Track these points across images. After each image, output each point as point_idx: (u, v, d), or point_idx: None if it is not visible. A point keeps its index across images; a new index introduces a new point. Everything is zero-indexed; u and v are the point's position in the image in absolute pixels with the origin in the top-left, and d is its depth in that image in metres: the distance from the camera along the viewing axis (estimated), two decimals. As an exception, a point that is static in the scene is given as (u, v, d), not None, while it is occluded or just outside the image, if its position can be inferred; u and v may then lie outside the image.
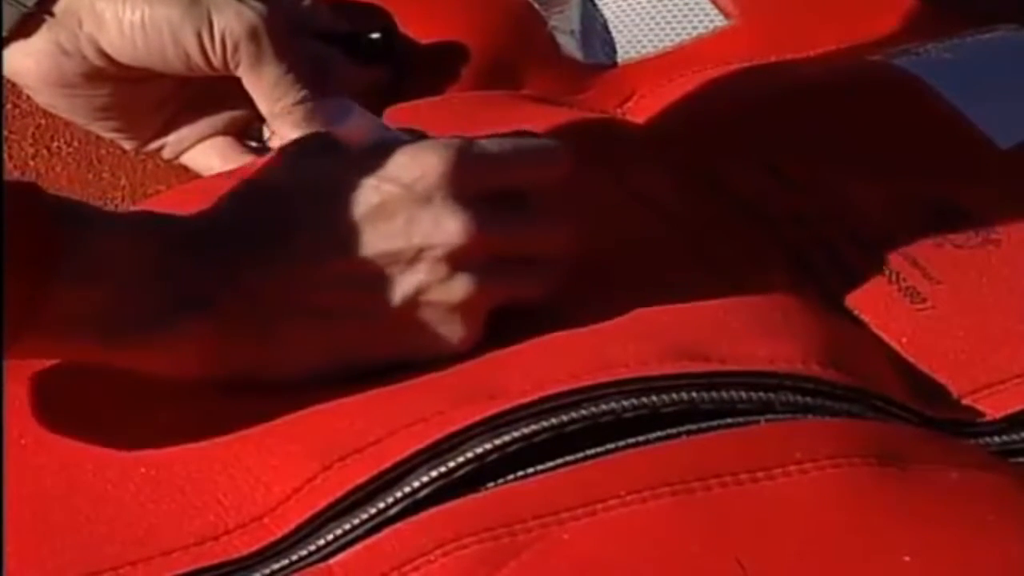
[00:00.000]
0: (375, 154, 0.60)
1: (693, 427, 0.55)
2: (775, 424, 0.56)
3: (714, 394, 0.57)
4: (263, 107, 0.75)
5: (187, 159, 0.81)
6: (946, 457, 0.56)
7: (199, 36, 0.72)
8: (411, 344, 0.59)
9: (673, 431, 0.55)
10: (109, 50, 0.73)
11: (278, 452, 0.58)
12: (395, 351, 0.59)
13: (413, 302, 0.58)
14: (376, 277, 0.58)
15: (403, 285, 0.58)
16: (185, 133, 0.80)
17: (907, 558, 0.50)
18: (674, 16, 0.87)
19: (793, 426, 0.56)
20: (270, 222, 0.59)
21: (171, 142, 0.80)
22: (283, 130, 0.75)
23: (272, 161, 0.62)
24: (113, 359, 0.58)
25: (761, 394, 0.57)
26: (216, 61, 0.73)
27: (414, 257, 0.58)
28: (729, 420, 0.56)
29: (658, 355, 0.59)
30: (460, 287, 0.59)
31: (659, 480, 0.52)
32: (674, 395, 0.56)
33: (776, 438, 0.55)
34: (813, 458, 0.53)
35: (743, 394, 0.57)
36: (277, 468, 0.58)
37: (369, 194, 0.58)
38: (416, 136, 0.64)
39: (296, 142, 0.63)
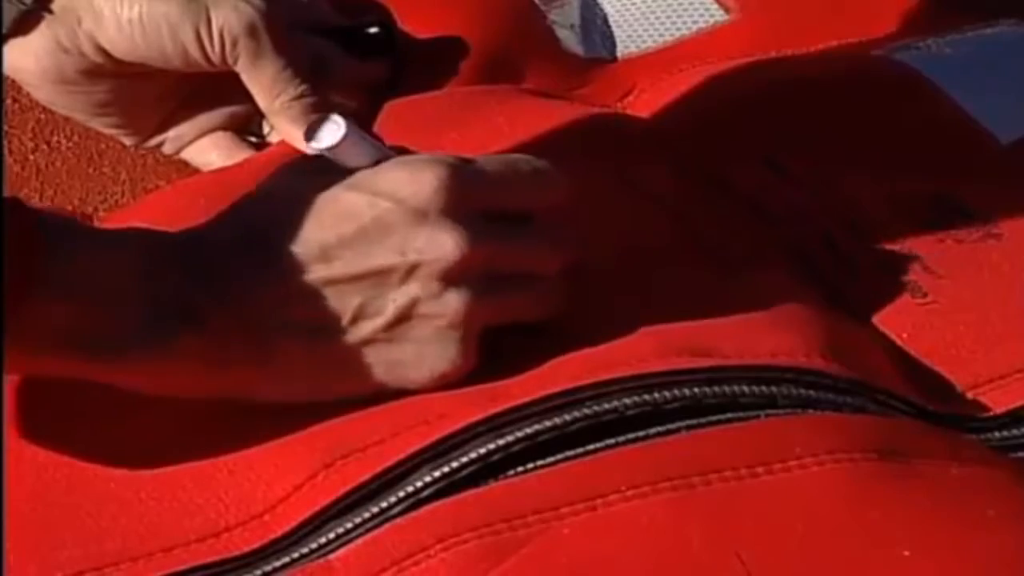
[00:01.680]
0: (371, 171, 0.60)
1: (693, 422, 0.55)
2: (776, 419, 0.56)
3: (716, 389, 0.57)
4: (262, 102, 0.75)
5: (187, 154, 0.81)
6: (947, 452, 0.56)
7: (197, 32, 0.72)
8: (406, 362, 0.59)
9: (673, 426, 0.55)
10: (108, 47, 0.73)
11: (280, 450, 0.58)
12: (389, 369, 0.59)
13: (407, 317, 0.58)
14: (369, 292, 0.58)
15: (397, 301, 0.58)
16: (185, 129, 0.80)
17: (907, 552, 0.50)
18: (674, 11, 0.87)
19: (794, 421, 0.56)
20: (261, 237, 0.59)
21: (171, 137, 0.80)
22: (282, 125, 0.75)
23: (267, 178, 0.62)
24: (98, 375, 0.57)
25: (763, 388, 0.57)
26: (215, 57, 0.73)
27: (408, 273, 0.58)
28: (730, 415, 0.56)
29: (660, 351, 0.59)
30: (454, 303, 0.58)
31: (659, 475, 0.52)
32: (676, 391, 0.56)
33: (777, 433, 0.55)
34: (813, 453, 0.53)
35: (745, 388, 0.57)
36: (278, 466, 0.58)
37: (364, 210, 0.58)
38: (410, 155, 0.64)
39: (293, 161, 0.63)
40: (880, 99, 0.79)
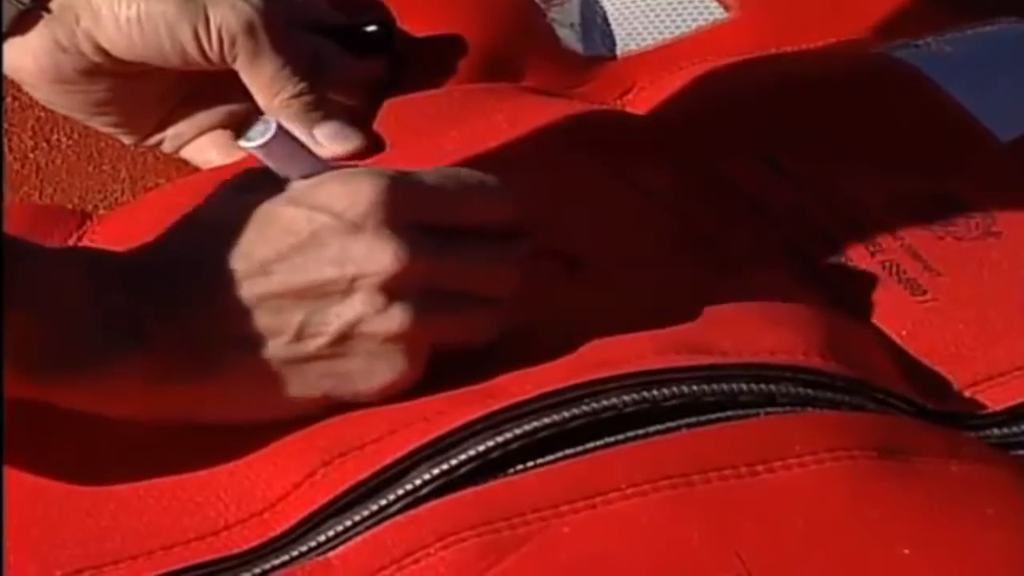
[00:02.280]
0: (308, 185, 0.60)
1: (692, 420, 0.55)
2: (775, 417, 0.56)
3: (715, 386, 0.57)
4: (261, 101, 0.76)
5: (186, 153, 0.81)
6: (946, 449, 0.56)
7: (195, 31, 0.72)
8: (352, 378, 0.59)
9: (673, 424, 0.55)
10: (106, 46, 0.73)
11: (278, 449, 0.58)
12: (336, 385, 0.59)
13: (350, 334, 0.58)
14: (312, 307, 0.58)
15: (340, 316, 0.58)
16: (184, 127, 0.80)
17: (906, 551, 0.50)
18: (674, 8, 0.87)
19: (793, 419, 0.56)
20: (203, 254, 0.59)
21: (170, 136, 0.80)
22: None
23: (210, 197, 0.61)
24: (42, 393, 0.57)
25: (762, 386, 0.57)
26: (213, 55, 0.74)
27: (348, 287, 0.58)
28: (729, 413, 0.56)
29: (658, 349, 0.59)
30: (397, 317, 0.58)
31: (659, 473, 0.52)
32: (675, 388, 0.56)
33: (776, 431, 0.55)
34: (813, 451, 0.53)
35: (744, 386, 0.57)
36: (277, 464, 0.58)
37: (302, 224, 0.58)
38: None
39: (234, 177, 0.63)
40: (879, 97, 0.79)
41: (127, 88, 0.77)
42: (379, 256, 0.57)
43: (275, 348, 0.57)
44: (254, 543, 0.55)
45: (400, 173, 0.59)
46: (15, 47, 0.74)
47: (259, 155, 0.60)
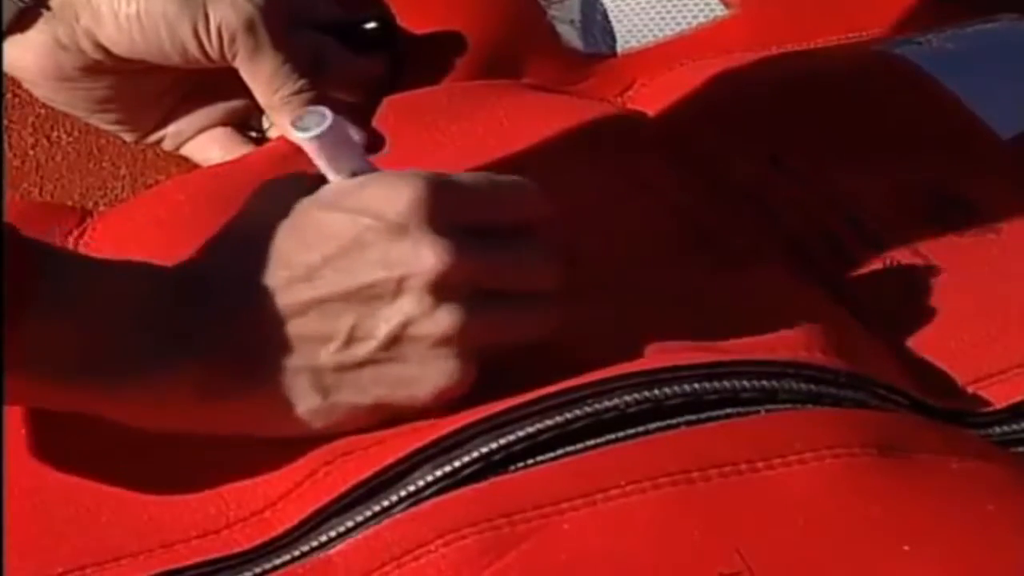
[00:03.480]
0: (346, 190, 0.59)
1: (693, 417, 0.55)
2: (776, 414, 0.56)
3: (716, 384, 0.56)
4: (261, 98, 0.75)
5: (187, 150, 0.80)
6: (947, 447, 0.56)
7: (195, 28, 0.72)
8: (405, 383, 0.58)
9: (674, 421, 0.55)
10: (106, 43, 0.73)
11: (280, 448, 0.58)
12: (388, 392, 0.58)
13: (401, 337, 0.57)
14: (360, 311, 0.57)
15: (388, 319, 0.57)
16: (184, 124, 0.80)
17: (907, 547, 0.50)
18: (674, 5, 0.87)
19: (794, 416, 0.56)
20: (249, 264, 0.58)
21: (171, 133, 0.80)
22: (281, 120, 0.75)
23: (251, 201, 0.61)
24: (93, 405, 0.57)
25: (764, 383, 0.57)
26: (213, 53, 0.73)
27: (396, 289, 0.57)
28: (730, 410, 0.56)
29: (661, 347, 0.59)
30: (446, 319, 0.57)
31: (659, 471, 0.52)
32: (677, 387, 0.56)
33: (776, 428, 0.55)
34: (813, 448, 0.53)
35: (746, 383, 0.57)
36: (279, 463, 0.57)
37: (345, 228, 0.57)
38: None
39: (273, 181, 0.63)
40: (880, 94, 0.78)
41: (128, 85, 0.77)
42: (424, 257, 0.57)
43: (325, 354, 0.57)
44: (256, 542, 0.55)
45: (437, 174, 0.59)
46: (15, 44, 0.74)
47: (309, 148, 0.59)
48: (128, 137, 0.81)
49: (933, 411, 0.59)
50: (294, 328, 0.57)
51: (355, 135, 0.63)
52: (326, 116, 0.58)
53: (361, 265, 0.57)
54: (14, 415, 0.61)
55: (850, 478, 0.53)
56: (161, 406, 0.57)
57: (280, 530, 0.55)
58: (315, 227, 0.58)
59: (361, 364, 0.57)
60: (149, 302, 0.57)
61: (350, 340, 0.57)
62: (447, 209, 0.58)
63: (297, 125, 0.58)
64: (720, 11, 0.87)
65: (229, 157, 0.78)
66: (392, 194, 0.58)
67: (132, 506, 0.58)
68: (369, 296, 0.57)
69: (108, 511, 0.58)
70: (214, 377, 0.56)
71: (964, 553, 0.51)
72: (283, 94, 0.75)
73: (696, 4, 0.87)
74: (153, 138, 0.80)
